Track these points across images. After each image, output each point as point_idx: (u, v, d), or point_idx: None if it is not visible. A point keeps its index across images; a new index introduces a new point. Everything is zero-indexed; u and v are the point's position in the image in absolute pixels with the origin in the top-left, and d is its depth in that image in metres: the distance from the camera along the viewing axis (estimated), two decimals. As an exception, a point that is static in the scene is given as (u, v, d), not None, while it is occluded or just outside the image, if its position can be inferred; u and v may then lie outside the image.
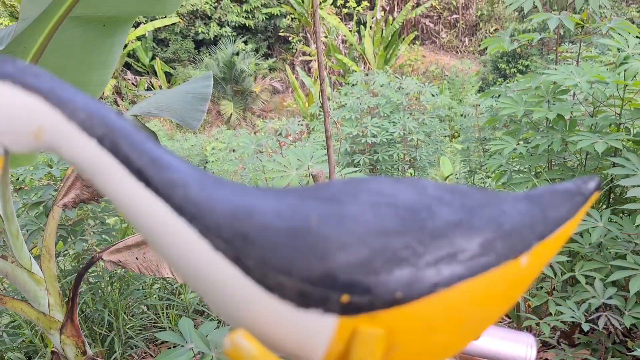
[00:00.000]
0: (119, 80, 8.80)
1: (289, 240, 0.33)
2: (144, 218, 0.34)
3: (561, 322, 2.08)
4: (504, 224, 0.38)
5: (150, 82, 8.69)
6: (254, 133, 7.25)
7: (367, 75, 5.35)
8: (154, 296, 2.50)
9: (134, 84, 8.54)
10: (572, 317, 2.00)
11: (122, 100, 8.21)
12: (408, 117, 4.70)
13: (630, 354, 1.84)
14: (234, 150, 5.36)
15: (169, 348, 2.31)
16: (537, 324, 2.10)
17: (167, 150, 0.35)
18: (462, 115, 4.99)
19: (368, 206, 0.35)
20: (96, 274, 2.35)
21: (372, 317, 0.34)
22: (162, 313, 2.46)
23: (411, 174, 4.84)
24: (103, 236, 2.37)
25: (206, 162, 5.75)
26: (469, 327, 0.38)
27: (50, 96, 0.33)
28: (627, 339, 2.12)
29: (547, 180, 2.57)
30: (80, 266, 2.36)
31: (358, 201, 0.35)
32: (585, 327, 1.97)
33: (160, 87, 8.48)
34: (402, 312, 0.34)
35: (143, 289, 2.48)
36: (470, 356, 0.62)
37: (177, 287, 2.56)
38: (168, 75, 8.86)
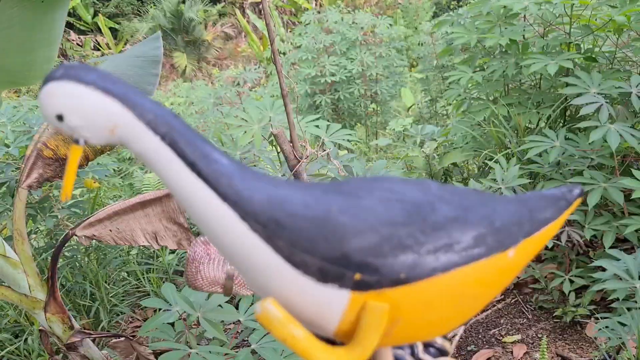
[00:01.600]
0: (63, 42, 8.44)
1: (313, 226, 0.39)
2: (196, 203, 0.40)
3: (527, 241, 2.18)
4: (495, 221, 0.43)
5: (96, 40, 8.37)
6: (211, 83, 7.12)
7: (319, 12, 5.26)
8: (133, 262, 2.53)
9: (79, 45, 8.22)
10: (537, 235, 2.10)
11: (69, 62, 7.92)
12: (365, 52, 4.68)
13: (591, 265, 1.95)
14: (192, 103, 5.28)
15: (155, 311, 2.36)
16: (505, 246, 2.19)
17: (214, 146, 0.42)
18: (419, 44, 4.98)
19: (380, 201, 0.41)
20: (71, 247, 2.36)
21: (379, 294, 0.40)
22: (143, 277, 2.49)
23: (374, 108, 4.86)
24: (72, 209, 2.36)
25: (166, 119, 5.66)
26: (462, 307, 0.44)
27: (124, 100, 0.39)
28: (589, 249, 2.23)
29: (504, 105, 2.62)
30: (54, 242, 2.36)
31: (372, 196, 0.41)
32: (549, 243, 2.07)
33: (108, 45, 8.19)
34: (405, 291, 0.40)
35: (121, 257, 2.50)
36: None
37: (154, 251, 2.59)
38: (113, 32, 8.54)
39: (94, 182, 2.62)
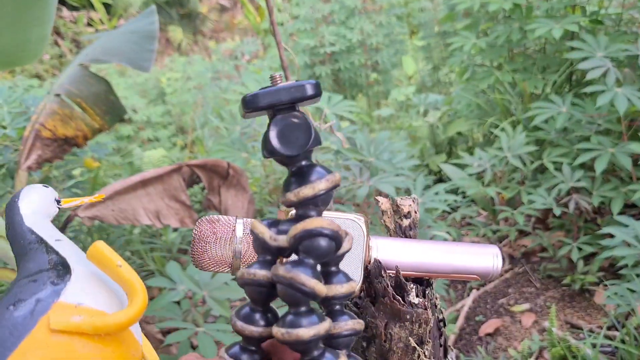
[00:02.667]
0: (56, 20, 8.25)
1: None
2: None
3: (534, 209, 2.16)
4: None
5: (89, 16, 8.25)
6: (208, 57, 7.03)
7: (316, -19, 5.15)
8: (136, 241, 2.51)
9: (72, 22, 8.10)
10: (544, 203, 2.07)
11: (63, 39, 7.81)
12: (365, 21, 4.59)
13: (599, 232, 1.92)
14: (190, 78, 5.21)
15: (160, 290, 2.35)
16: (512, 214, 2.18)
17: None
18: (419, 10, 4.88)
19: None
20: (74, 228, 2.34)
21: None
22: (147, 256, 2.48)
23: (375, 78, 4.79)
24: (73, 190, 2.33)
25: (164, 95, 5.60)
26: None
27: None
28: (597, 216, 2.21)
29: (509, 72, 2.57)
30: (56, 223, 2.34)
31: None
32: (557, 211, 2.04)
33: (101, 21, 8.07)
34: None
35: (124, 236, 2.48)
36: (439, 274, 0.65)
37: (157, 230, 2.57)
38: (107, 7, 8.41)
39: (94, 162, 2.59)
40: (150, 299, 2.42)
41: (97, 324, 0.41)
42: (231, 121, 2.76)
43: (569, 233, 2.20)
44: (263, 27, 6.14)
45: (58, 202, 0.53)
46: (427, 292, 0.66)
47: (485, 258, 0.65)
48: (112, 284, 0.46)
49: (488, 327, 1.97)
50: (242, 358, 0.47)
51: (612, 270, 2.02)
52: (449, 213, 2.37)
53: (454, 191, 2.42)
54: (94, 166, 2.51)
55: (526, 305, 2.05)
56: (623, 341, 1.64)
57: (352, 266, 0.60)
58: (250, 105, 0.43)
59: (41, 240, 0.48)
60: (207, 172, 1.90)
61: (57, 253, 0.47)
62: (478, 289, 2.17)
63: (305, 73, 4.61)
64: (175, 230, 2.57)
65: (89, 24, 8.07)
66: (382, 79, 4.92)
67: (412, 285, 0.64)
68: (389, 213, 0.72)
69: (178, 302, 1.78)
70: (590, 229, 2.16)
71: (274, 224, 0.47)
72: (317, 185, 0.44)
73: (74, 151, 2.30)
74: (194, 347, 1.86)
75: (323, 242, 0.44)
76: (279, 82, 0.44)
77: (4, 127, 2.26)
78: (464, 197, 2.51)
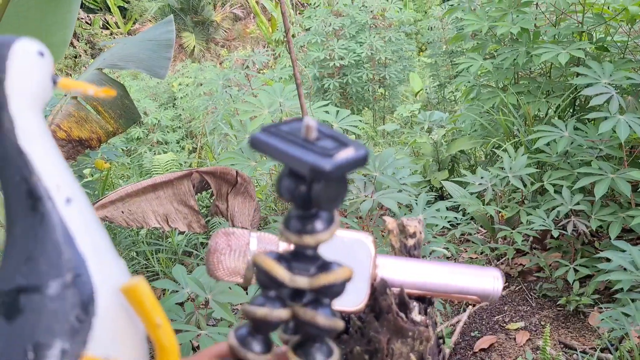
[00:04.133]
0: (73, 20, 8.37)
1: None
2: None
3: (532, 230, 2.20)
4: None
5: (105, 19, 8.35)
6: (220, 64, 7.10)
7: (329, -5, 5.23)
8: (142, 242, 2.56)
9: (88, 23, 8.20)
10: (543, 224, 2.12)
11: (78, 41, 7.91)
12: (374, 36, 4.66)
13: (597, 256, 1.97)
14: (201, 84, 5.28)
15: (163, 291, 2.40)
16: (511, 234, 2.22)
17: None
18: (428, 28, 4.95)
19: None
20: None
21: None
22: (152, 257, 2.53)
23: (382, 93, 4.85)
24: (84, 190, 2.39)
25: (174, 99, 5.67)
26: None
27: None
28: (594, 240, 2.25)
29: (514, 94, 2.62)
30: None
31: None
32: (555, 233, 2.09)
33: (116, 24, 8.17)
34: None
35: (131, 237, 2.54)
36: (441, 294, 0.69)
37: (163, 232, 2.62)
38: (122, 10, 8.51)
39: (105, 163, 2.65)
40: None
41: None
42: (240, 129, 2.82)
43: (566, 255, 2.24)
44: (274, 37, 6.22)
45: (55, 81, 0.41)
46: (428, 310, 0.70)
47: (486, 280, 0.68)
48: (138, 322, 0.41)
49: (483, 343, 2.01)
50: None
51: (607, 294, 2.06)
52: (449, 229, 2.41)
53: (455, 208, 2.47)
54: (105, 167, 2.56)
55: (521, 323, 2.09)
56: (614, 363, 1.68)
57: (359, 283, 0.64)
58: (324, 175, 0.41)
59: (42, 199, 0.38)
60: (217, 179, 1.96)
61: (74, 245, 0.39)
62: (474, 305, 2.21)
63: (313, 85, 4.67)
64: (181, 233, 2.62)
65: (104, 27, 8.18)
66: (389, 94, 4.98)
67: (414, 303, 0.68)
68: (394, 232, 0.77)
69: (181, 304, 1.83)
70: (587, 252, 2.21)
71: (282, 258, 0.49)
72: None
73: (86, 152, 2.36)
74: (194, 349, 1.91)
75: (341, 288, 0.49)
76: (312, 131, 0.45)
77: (20, 126, 2.32)
78: (464, 215, 2.55)
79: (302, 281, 0.48)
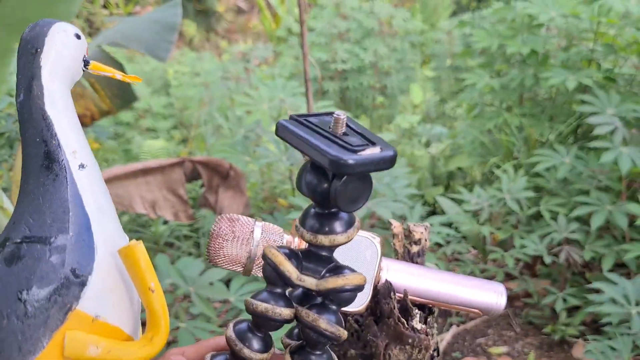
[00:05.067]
0: (75, -4, 8.21)
1: None
2: None
3: (524, 254, 2.16)
4: None
5: (107, -2, 8.25)
6: (219, 56, 7.04)
7: (337, -3, 5.19)
8: (124, 229, 2.49)
9: (88, 1, 8.10)
10: (535, 250, 2.09)
11: (77, 17, 7.80)
12: (379, 43, 4.63)
13: (587, 286, 1.94)
14: (198, 74, 5.21)
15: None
16: (502, 256, 2.18)
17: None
18: (434, 41, 4.93)
19: None
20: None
21: None
22: (133, 244, 2.46)
23: (381, 101, 4.82)
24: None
25: (169, 87, 5.59)
26: None
27: None
28: (585, 270, 2.22)
29: (518, 115, 2.59)
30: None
31: None
32: (547, 260, 2.05)
33: (117, 4, 8.07)
34: None
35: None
36: (443, 304, 0.66)
37: (147, 220, 2.55)
38: (126, -10, 8.42)
39: (94, 143, 2.57)
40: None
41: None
42: (236, 123, 2.76)
43: (555, 283, 2.21)
44: (277, 34, 6.16)
45: (86, 63, 0.45)
46: (428, 319, 0.67)
47: (490, 295, 0.66)
48: (132, 287, 0.43)
49: (464, 365, 1.97)
50: None
51: (594, 326, 2.03)
52: (440, 246, 2.37)
53: (448, 225, 2.43)
54: (94, 147, 2.49)
55: (504, 349, 2.05)
56: (597, 398, 1.64)
57: None
58: (344, 169, 0.40)
59: (58, 160, 0.41)
60: (209, 170, 1.90)
61: (81, 205, 0.41)
62: (458, 325, 2.17)
63: (312, 85, 4.62)
64: (165, 223, 2.56)
65: (104, 6, 8.07)
66: (389, 104, 4.95)
67: (416, 310, 0.65)
68: (399, 237, 0.73)
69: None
70: (577, 282, 2.17)
71: (293, 255, 0.47)
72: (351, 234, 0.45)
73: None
74: (169, 344, 1.84)
75: (351, 295, 0.46)
76: (341, 125, 0.42)
77: (12, 95, 2.24)
78: (456, 232, 2.51)
79: (309, 281, 0.46)
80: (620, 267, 2.18)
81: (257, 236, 0.58)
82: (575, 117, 2.48)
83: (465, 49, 3.03)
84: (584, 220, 2.16)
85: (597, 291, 1.84)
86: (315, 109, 2.15)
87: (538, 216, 2.30)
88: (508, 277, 2.39)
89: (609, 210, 2.03)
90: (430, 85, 4.94)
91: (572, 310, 2.13)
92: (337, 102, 4.61)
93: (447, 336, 2.10)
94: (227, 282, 1.73)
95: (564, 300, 2.04)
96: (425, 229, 0.72)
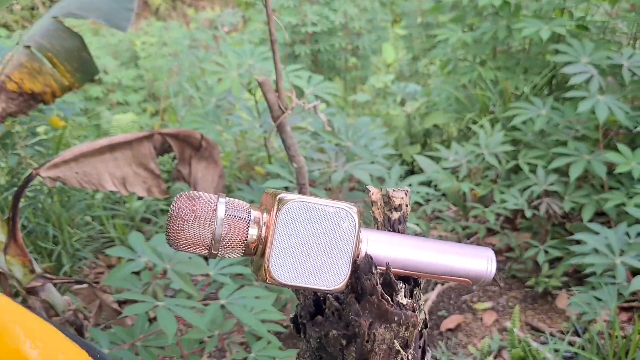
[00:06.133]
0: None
1: None
2: None
3: (505, 209, 2.16)
4: None
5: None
6: (186, 25, 6.85)
7: (303, -42, 5.04)
8: (98, 207, 2.43)
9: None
10: (516, 204, 2.07)
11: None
12: (349, 4, 4.52)
13: (570, 237, 1.94)
14: (165, 44, 5.07)
15: (119, 258, 2.28)
16: (483, 212, 2.17)
17: None
18: (403, -2, 4.83)
19: None
20: (34, 188, 2.24)
21: None
22: (108, 223, 2.40)
23: (354, 62, 4.74)
24: (36, 148, 2.23)
25: (137, 59, 5.44)
26: None
27: None
28: (565, 222, 2.22)
29: (492, 69, 2.56)
30: (16, 180, 2.24)
31: None
32: (528, 213, 2.05)
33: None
34: None
35: (86, 200, 2.40)
36: (430, 274, 0.61)
37: (121, 197, 2.49)
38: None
39: (60, 121, 2.48)
40: (110, 267, 2.35)
41: None
42: (207, 92, 2.68)
43: (536, 235, 2.21)
44: (245, -1, 6.01)
45: None
46: (414, 292, 0.63)
47: (480, 262, 0.62)
48: None
49: (450, 322, 1.97)
50: None
51: (576, 276, 2.04)
52: (420, 205, 2.35)
53: (426, 184, 2.41)
54: (60, 125, 2.40)
55: (489, 304, 2.05)
56: (583, 347, 1.65)
57: (340, 259, 0.55)
58: None
59: None
60: (180, 142, 1.84)
61: None
62: (442, 284, 2.16)
63: (283, 49, 4.52)
64: (140, 198, 2.50)
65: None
66: (361, 65, 4.87)
67: (401, 284, 0.60)
68: (379, 204, 0.68)
69: (138, 273, 1.73)
70: (558, 233, 2.18)
71: None
72: None
73: (39, 108, 2.20)
74: (150, 321, 1.81)
75: None
76: None
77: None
78: (436, 190, 2.50)
79: None
80: (599, 216, 2.19)
81: (221, 214, 0.53)
82: (549, 68, 2.45)
83: (436, 5, 2.96)
84: (563, 172, 2.15)
85: (579, 242, 1.84)
86: (285, 74, 2.08)
87: (517, 170, 2.29)
88: (490, 233, 2.39)
89: (588, 159, 2.02)
90: (402, 43, 4.87)
91: (554, 262, 2.13)
92: (309, 65, 4.53)
93: (432, 295, 2.10)
94: (207, 257, 1.69)
95: (546, 252, 2.05)
96: (405, 193, 0.67)
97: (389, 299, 0.58)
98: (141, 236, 1.61)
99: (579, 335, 1.78)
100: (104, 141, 1.74)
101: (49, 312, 1.77)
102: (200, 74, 3.73)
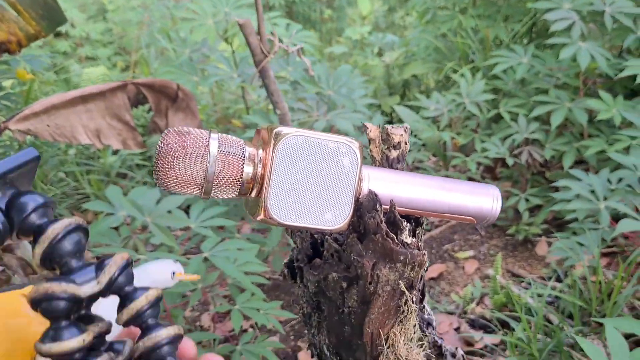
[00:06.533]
0: None
1: None
2: None
3: (486, 157, 2.15)
4: None
5: None
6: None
7: None
8: (71, 162, 2.36)
9: None
10: (497, 152, 2.07)
11: None
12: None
13: (552, 184, 1.94)
14: (135, -4, 4.88)
15: (95, 215, 2.23)
16: (464, 162, 2.16)
17: None
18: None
19: None
20: (3, 143, 2.16)
21: None
22: (83, 178, 2.34)
23: (329, 14, 4.65)
24: (3, 102, 2.14)
25: (105, 12, 5.24)
26: None
27: None
28: (544, 170, 2.23)
29: (473, 17, 2.51)
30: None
31: None
32: (510, 161, 2.04)
33: None
34: None
35: (58, 156, 2.33)
36: (433, 213, 0.59)
37: (94, 152, 2.42)
38: None
39: (27, 74, 2.38)
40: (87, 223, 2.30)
41: None
42: (180, 43, 2.59)
43: (517, 184, 2.22)
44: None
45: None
46: (417, 231, 0.60)
47: (485, 199, 0.59)
48: None
49: (432, 271, 1.98)
50: None
51: (555, 223, 2.06)
52: (401, 156, 2.33)
53: (407, 134, 2.38)
54: (27, 78, 2.30)
55: (470, 252, 2.07)
56: (562, 291, 1.67)
57: (342, 197, 0.52)
58: None
59: None
60: (155, 93, 1.77)
61: None
62: (424, 234, 2.17)
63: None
64: (115, 152, 2.43)
65: None
66: (336, 16, 4.78)
67: (405, 223, 0.58)
68: (376, 142, 0.65)
69: (116, 229, 1.68)
70: (537, 182, 2.19)
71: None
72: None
73: (5, 59, 2.10)
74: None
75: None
76: None
77: None
78: (416, 139, 2.48)
79: None
80: (578, 164, 2.20)
81: (214, 150, 0.48)
82: (530, 15, 2.42)
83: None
84: (544, 120, 2.14)
85: (558, 189, 1.84)
86: (266, 20, 2.01)
87: (498, 119, 2.28)
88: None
89: (569, 107, 2.01)
90: (379, -6, 4.78)
91: (534, 210, 2.15)
92: (283, 16, 4.42)
93: (414, 245, 2.10)
94: (187, 209, 1.65)
95: (527, 200, 2.06)
96: (405, 130, 0.64)
97: (394, 238, 0.55)
98: (119, 189, 1.56)
99: (559, 281, 1.81)
100: (75, 92, 1.66)
101: (26, 269, 1.72)
102: (172, 25, 3.61)
